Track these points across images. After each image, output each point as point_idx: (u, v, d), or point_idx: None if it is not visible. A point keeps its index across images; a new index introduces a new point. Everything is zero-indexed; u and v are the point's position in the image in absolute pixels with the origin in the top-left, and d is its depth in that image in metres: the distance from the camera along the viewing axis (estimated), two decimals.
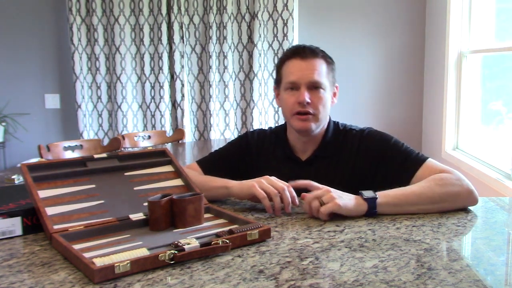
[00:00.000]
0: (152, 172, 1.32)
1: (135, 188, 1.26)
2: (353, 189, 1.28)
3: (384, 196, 1.26)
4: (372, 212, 1.25)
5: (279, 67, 1.54)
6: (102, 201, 1.19)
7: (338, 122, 1.57)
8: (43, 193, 1.15)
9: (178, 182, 1.32)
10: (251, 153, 1.60)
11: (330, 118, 1.55)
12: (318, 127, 1.50)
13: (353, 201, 1.25)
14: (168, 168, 1.35)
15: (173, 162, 1.36)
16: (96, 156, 1.28)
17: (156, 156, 1.37)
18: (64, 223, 1.10)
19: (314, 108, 1.45)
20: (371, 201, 1.25)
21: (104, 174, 1.26)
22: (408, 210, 1.27)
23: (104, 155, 1.29)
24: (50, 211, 1.12)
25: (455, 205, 1.29)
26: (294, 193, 1.29)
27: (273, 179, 1.31)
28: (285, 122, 1.58)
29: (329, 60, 1.51)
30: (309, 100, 1.44)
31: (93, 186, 1.22)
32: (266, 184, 1.29)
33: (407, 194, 1.28)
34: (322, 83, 1.46)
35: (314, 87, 1.45)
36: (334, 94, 1.54)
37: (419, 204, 1.27)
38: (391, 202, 1.26)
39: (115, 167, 1.28)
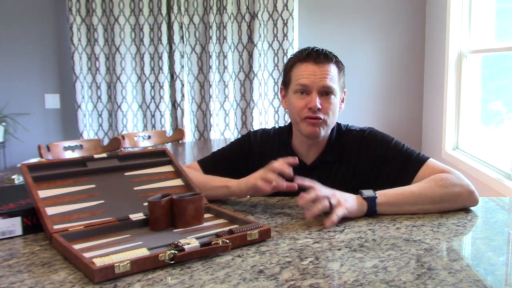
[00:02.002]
0: (152, 172, 1.32)
1: (135, 188, 1.26)
2: (355, 191, 1.28)
3: (383, 195, 1.26)
4: (372, 211, 1.25)
5: (289, 67, 1.49)
6: (102, 201, 1.19)
7: (339, 123, 1.56)
8: (43, 193, 1.15)
9: (178, 182, 1.32)
10: (253, 154, 1.57)
11: None
12: (326, 133, 1.48)
13: (356, 202, 1.25)
14: (168, 168, 1.35)
15: (173, 162, 1.36)
16: (96, 156, 1.28)
17: (156, 156, 1.37)
18: (64, 223, 1.10)
19: (324, 114, 1.43)
20: (371, 200, 1.25)
21: (104, 174, 1.26)
22: (408, 210, 1.27)
23: (104, 155, 1.29)
24: (50, 211, 1.12)
25: (456, 205, 1.29)
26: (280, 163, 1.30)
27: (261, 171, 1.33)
28: (289, 124, 1.57)
29: (341, 66, 1.49)
30: (320, 106, 1.41)
31: (93, 186, 1.22)
32: (259, 174, 1.31)
33: (407, 194, 1.28)
34: (334, 89, 1.43)
35: (326, 92, 1.43)
36: (342, 100, 1.52)
37: (419, 204, 1.27)
38: (390, 202, 1.26)
39: (115, 167, 1.28)
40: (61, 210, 1.14)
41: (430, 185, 1.29)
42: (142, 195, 1.24)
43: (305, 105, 1.43)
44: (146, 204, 1.16)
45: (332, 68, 1.44)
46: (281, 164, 1.29)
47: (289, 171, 1.28)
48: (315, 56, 1.43)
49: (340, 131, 1.54)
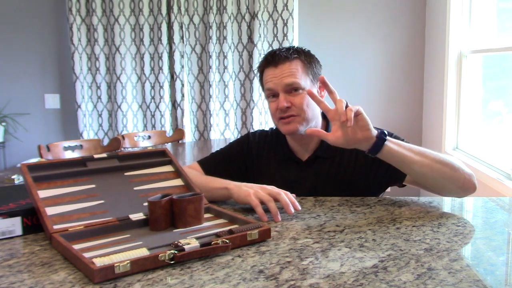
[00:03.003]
0: (152, 172, 1.32)
1: (135, 188, 1.26)
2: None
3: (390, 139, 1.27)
4: (381, 138, 1.24)
5: (260, 77, 1.55)
6: (102, 201, 1.19)
7: None
8: (43, 193, 1.15)
9: (178, 182, 1.32)
10: (252, 154, 1.60)
11: None
12: (306, 127, 1.48)
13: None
14: (168, 168, 1.35)
15: (173, 162, 1.36)
16: (96, 156, 1.28)
17: (156, 156, 1.37)
18: (64, 223, 1.10)
19: (297, 109, 1.45)
20: (382, 132, 1.26)
21: (104, 174, 1.26)
22: (411, 159, 1.26)
23: (104, 155, 1.29)
24: (50, 211, 1.12)
25: (455, 174, 1.28)
26: (293, 198, 1.27)
27: (269, 187, 1.28)
28: None
29: (305, 59, 1.49)
30: (288, 105, 1.44)
31: (93, 186, 1.22)
32: (261, 193, 1.27)
33: (411, 145, 1.30)
34: (299, 84, 1.45)
35: (293, 89, 1.45)
36: (322, 88, 1.53)
37: (422, 156, 1.27)
38: (396, 142, 1.26)
39: (115, 167, 1.28)
40: (61, 210, 1.14)
41: (433, 151, 1.32)
42: (142, 195, 1.24)
43: (276, 108, 1.47)
44: (146, 204, 1.16)
45: (293, 65, 1.46)
46: (286, 201, 1.25)
47: (289, 211, 1.24)
48: (271, 59, 1.48)
49: None
